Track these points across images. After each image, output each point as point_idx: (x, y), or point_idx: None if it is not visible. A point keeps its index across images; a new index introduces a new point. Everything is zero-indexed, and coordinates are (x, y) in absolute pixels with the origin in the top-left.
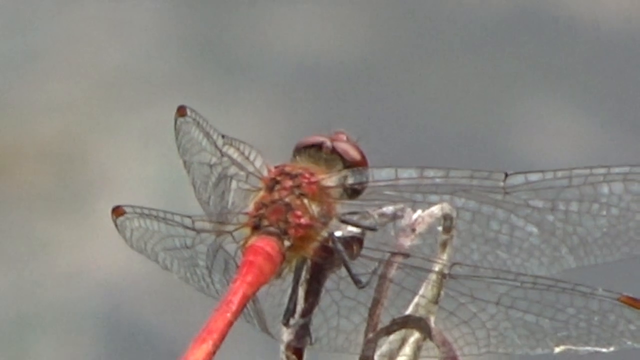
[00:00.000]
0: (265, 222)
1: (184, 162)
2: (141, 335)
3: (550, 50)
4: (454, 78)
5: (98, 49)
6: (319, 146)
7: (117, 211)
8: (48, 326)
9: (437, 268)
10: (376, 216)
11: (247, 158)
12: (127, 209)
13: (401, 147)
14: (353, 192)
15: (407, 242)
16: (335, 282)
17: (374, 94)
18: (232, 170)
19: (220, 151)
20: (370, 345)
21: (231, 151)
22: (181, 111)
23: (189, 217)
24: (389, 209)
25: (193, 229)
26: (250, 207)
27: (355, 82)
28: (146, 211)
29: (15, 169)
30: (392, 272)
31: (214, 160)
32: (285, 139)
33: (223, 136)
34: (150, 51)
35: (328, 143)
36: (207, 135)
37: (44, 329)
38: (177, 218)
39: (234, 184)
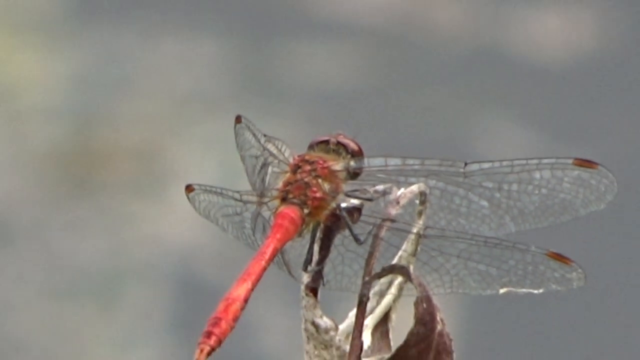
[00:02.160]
0: (291, 196)
1: (240, 156)
2: (206, 287)
3: (503, 80)
4: (432, 102)
5: (172, 75)
6: (327, 142)
7: (189, 188)
8: (134, 280)
9: (415, 230)
10: (371, 192)
11: (280, 150)
12: (196, 187)
13: (394, 149)
14: (354, 175)
15: (393, 211)
16: (340, 239)
17: (374, 111)
18: (270, 159)
19: (263, 146)
20: (366, 286)
21: (269, 146)
22: (238, 119)
23: (238, 192)
24: (380, 187)
25: (241, 201)
26: (280, 185)
27: (360, 103)
28: (209, 188)
29: (111, 163)
30: (383, 233)
31: (258, 153)
32: (308, 141)
33: (265, 135)
34: (211, 77)
35: (334, 139)
36: (255, 135)
37: (131, 282)
38: (230, 193)
39: (270, 169)
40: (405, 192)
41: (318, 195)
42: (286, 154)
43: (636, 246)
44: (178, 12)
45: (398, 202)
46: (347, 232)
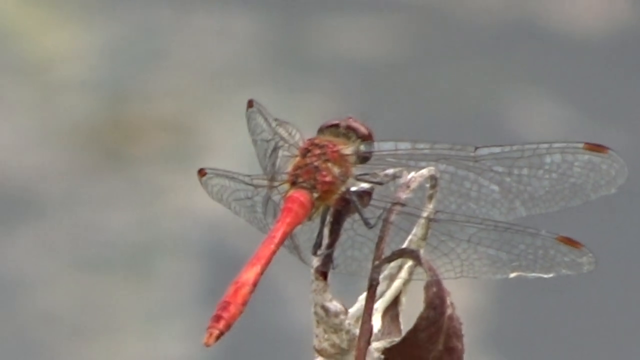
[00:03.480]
0: (300, 179)
1: (252, 140)
2: (237, 259)
3: (537, 53)
4: (464, 75)
5: (205, 48)
6: (337, 125)
7: (201, 172)
8: (165, 252)
9: (425, 214)
10: (381, 176)
11: (290, 134)
12: (208, 171)
13: (426, 122)
14: (364, 158)
15: (403, 195)
16: (350, 223)
17: (404, 84)
18: (280, 143)
19: (274, 130)
20: (376, 270)
21: (280, 130)
22: (250, 103)
23: (249, 176)
24: (390, 171)
25: (252, 185)
26: (290, 169)
27: (391, 77)
28: (221, 172)
29: (144, 136)
30: (393, 217)
31: (269, 137)
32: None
33: (276, 119)
34: (243, 49)
35: (344, 123)
36: (266, 119)
37: (162, 254)
38: (241, 177)
39: (280, 152)
40: (415, 176)
41: (328, 179)
42: (296, 138)
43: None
44: None
45: (408, 186)
46: (356, 216)
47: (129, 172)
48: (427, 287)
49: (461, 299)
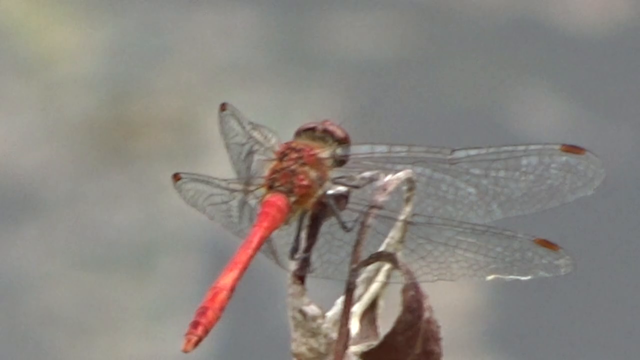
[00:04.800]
0: (277, 184)
1: (225, 144)
2: None
3: (540, 49)
4: (469, 72)
5: (208, 45)
6: (313, 129)
7: (176, 177)
8: (168, 250)
9: (402, 217)
10: (358, 179)
11: (265, 137)
12: (183, 175)
13: (430, 119)
14: (341, 162)
15: (380, 198)
16: (327, 227)
17: (407, 81)
18: (255, 147)
19: (248, 134)
20: (353, 273)
21: (255, 133)
22: (223, 107)
23: (225, 180)
24: (367, 174)
25: (228, 189)
26: (267, 173)
27: (394, 72)
28: (196, 176)
29: (147, 133)
30: (370, 220)
31: (243, 140)
32: (344, 111)
33: (250, 123)
34: (248, 47)
35: (320, 126)
36: (240, 122)
37: (165, 252)
38: (216, 181)
39: (255, 156)
40: (392, 179)
41: (305, 182)
42: (272, 142)
43: (625, 230)
44: None
45: (385, 189)
46: (334, 219)
47: (132, 170)
48: (405, 291)
49: (458, 299)
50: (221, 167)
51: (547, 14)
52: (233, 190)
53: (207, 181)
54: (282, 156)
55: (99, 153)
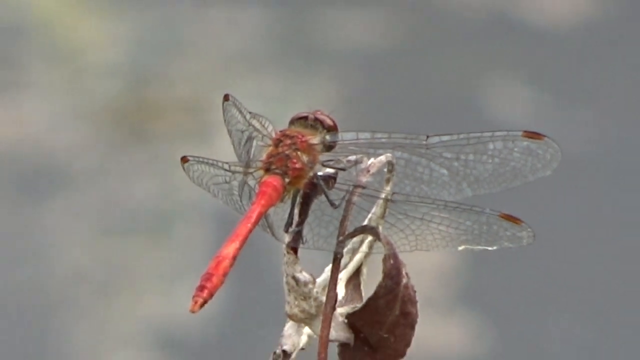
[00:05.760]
0: (273, 166)
1: (227, 130)
2: None
3: (513, 43)
4: (450, 63)
5: (219, 37)
6: (305, 118)
7: (184, 159)
8: (182, 219)
9: (383, 195)
10: (344, 162)
11: (263, 126)
12: (190, 158)
13: (417, 103)
14: (329, 147)
15: (364, 179)
16: (317, 204)
17: (396, 70)
18: (254, 134)
19: (248, 122)
20: (340, 245)
21: (254, 122)
22: (226, 97)
23: (227, 163)
24: (352, 157)
25: (229, 171)
26: (264, 157)
27: (383, 63)
28: (201, 159)
29: (164, 115)
30: (355, 198)
31: (244, 128)
32: (339, 97)
33: (250, 112)
34: (254, 39)
35: (311, 115)
36: (241, 112)
37: (179, 221)
38: (220, 164)
39: (254, 142)
40: (374, 162)
41: (297, 165)
42: (269, 129)
43: (583, 206)
44: None
45: (368, 171)
46: (323, 197)
47: (151, 147)
48: (385, 260)
49: (434, 263)
50: (229, 146)
51: (519, 11)
52: (234, 172)
53: (211, 163)
54: (277, 142)
55: (122, 133)
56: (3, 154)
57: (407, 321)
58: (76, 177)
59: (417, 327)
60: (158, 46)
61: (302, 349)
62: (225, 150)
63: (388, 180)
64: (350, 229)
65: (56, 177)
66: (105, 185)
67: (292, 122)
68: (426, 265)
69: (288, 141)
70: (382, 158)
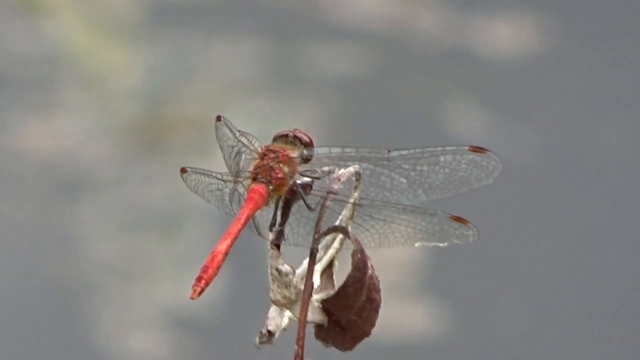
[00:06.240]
0: (260, 176)
1: (219, 146)
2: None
3: (469, 72)
4: (415, 90)
5: (222, 66)
6: (286, 135)
7: (183, 170)
8: (192, 217)
9: (352, 200)
10: (319, 172)
11: (250, 142)
12: (188, 169)
13: (387, 124)
14: (306, 160)
15: (335, 186)
16: (297, 208)
17: (371, 97)
18: (243, 149)
19: (237, 139)
20: (316, 242)
21: (243, 139)
22: (218, 118)
23: (220, 173)
24: (326, 168)
25: (222, 180)
26: (251, 168)
27: (359, 89)
28: (197, 170)
29: (176, 131)
30: (328, 203)
31: (233, 144)
32: (322, 117)
33: (239, 130)
34: (251, 68)
35: (291, 133)
36: (231, 130)
37: (190, 219)
38: (213, 174)
39: (243, 156)
40: (344, 172)
41: (280, 175)
42: (255, 145)
43: (521, 209)
44: (227, 19)
45: (339, 180)
46: (301, 202)
47: (165, 158)
48: (354, 254)
49: (402, 256)
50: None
51: (471, 45)
52: (226, 181)
53: (206, 173)
54: (263, 156)
55: (140, 146)
56: (43, 163)
57: (372, 306)
58: (102, 182)
59: (387, 311)
60: (170, 73)
61: (284, 329)
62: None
63: (356, 188)
64: (324, 228)
65: (86, 182)
66: (126, 190)
67: (275, 139)
68: (394, 258)
69: (272, 155)
70: (351, 169)
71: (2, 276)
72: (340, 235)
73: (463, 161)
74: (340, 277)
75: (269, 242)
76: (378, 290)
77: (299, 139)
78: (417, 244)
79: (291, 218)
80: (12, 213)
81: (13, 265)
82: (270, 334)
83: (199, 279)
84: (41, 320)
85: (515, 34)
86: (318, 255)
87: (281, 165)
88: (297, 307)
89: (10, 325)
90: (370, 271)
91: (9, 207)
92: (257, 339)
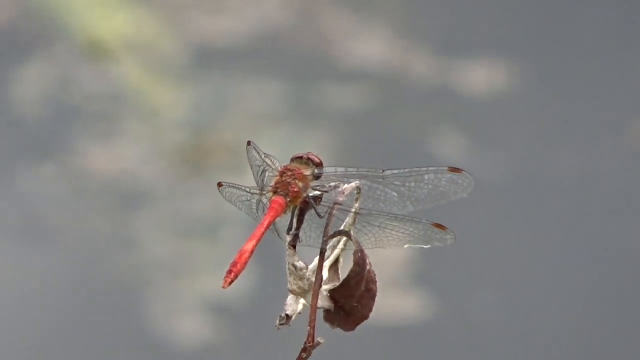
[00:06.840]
0: (279, 190)
1: (250, 166)
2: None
3: (452, 109)
4: (407, 124)
5: (251, 102)
6: (301, 157)
7: (219, 185)
8: (230, 224)
9: (353, 210)
10: (328, 187)
11: (273, 163)
12: (224, 184)
13: (384, 151)
14: (317, 177)
15: (341, 199)
16: (309, 216)
17: (371, 126)
18: (267, 168)
19: (263, 160)
20: (325, 243)
21: (267, 160)
22: (248, 143)
23: (249, 187)
24: (333, 184)
25: (250, 192)
26: (273, 183)
27: (363, 120)
28: (231, 184)
29: (216, 154)
30: (334, 212)
31: (260, 164)
32: (333, 145)
33: (265, 154)
34: (275, 102)
35: (305, 156)
36: (258, 153)
37: (228, 226)
38: (243, 188)
39: (267, 174)
40: (347, 187)
41: (296, 189)
42: (277, 165)
43: (492, 218)
44: (256, 62)
45: (343, 193)
46: (313, 211)
47: (206, 176)
48: (355, 253)
49: (396, 253)
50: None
51: (456, 84)
52: (253, 194)
53: (238, 187)
54: (282, 174)
55: (186, 167)
56: (108, 182)
57: (370, 295)
58: (156, 197)
59: (383, 300)
60: (210, 108)
61: (299, 313)
62: (251, 181)
63: (357, 200)
64: (331, 232)
65: (143, 197)
66: (175, 203)
67: (292, 160)
68: (388, 257)
69: (289, 173)
70: (353, 184)
71: (76, 274)
72: (345, 238)
73: (443, 179)
74: (344, 271)
75: (287, 243)
76: (375, 282)
77: (312, 160)
78: (406, 246)
79: (305, 224)
80: (83, 223)
81: (105, 265)
82: (288, 317)
83: (229, 272)
84: (107, 309)
85: (490, 76)
86: (326, 254)
87: (297, 181)
88: (310, 296)
89: (82, 313)
90: (368, 267)
91: (81, 218)
92: (277, 322)
